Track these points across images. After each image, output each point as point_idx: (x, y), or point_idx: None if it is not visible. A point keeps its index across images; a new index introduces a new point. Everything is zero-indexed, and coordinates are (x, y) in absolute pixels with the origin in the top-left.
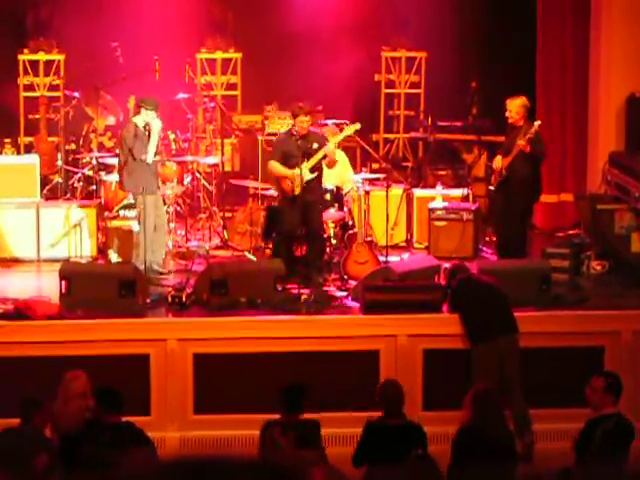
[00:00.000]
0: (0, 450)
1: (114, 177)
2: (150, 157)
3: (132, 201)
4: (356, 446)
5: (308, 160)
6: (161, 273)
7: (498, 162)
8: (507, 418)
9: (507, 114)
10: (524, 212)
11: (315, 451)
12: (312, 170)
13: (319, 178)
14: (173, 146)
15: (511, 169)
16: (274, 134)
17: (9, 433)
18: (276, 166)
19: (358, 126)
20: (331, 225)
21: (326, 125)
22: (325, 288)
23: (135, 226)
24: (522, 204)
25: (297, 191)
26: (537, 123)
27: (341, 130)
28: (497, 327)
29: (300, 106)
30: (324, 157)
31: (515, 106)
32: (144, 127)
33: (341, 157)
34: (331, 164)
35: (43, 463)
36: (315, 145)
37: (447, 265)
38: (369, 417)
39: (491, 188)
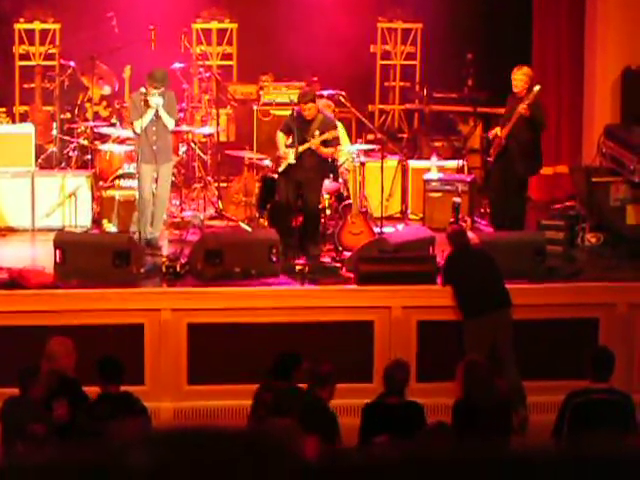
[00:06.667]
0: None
1: (109, 147)
2: (137, 127)
3: (127, 171)
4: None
5: (301, 145)
6: (157, 247)
7: (497, 133)
8: (500, 389)
9: (513, 83)
10: (522, 182)
11: (288, 419)
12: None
13: (321, 156)
14: None
15: (510, 137)
16: (269, 104)
17: (9, 403)
18: (278, 136)
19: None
20: (326, 196)
21: (322, 96)
22: (320, 259)
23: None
24: (521, 173)
25: (281, 168)
26: (537, 88)
27: (335, 102)
28: (489, 302)
29: (301, 94)
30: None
31: (520, 75)
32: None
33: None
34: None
35: (39, 432)
36: (317, 132)
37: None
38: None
39: (489, 159)
